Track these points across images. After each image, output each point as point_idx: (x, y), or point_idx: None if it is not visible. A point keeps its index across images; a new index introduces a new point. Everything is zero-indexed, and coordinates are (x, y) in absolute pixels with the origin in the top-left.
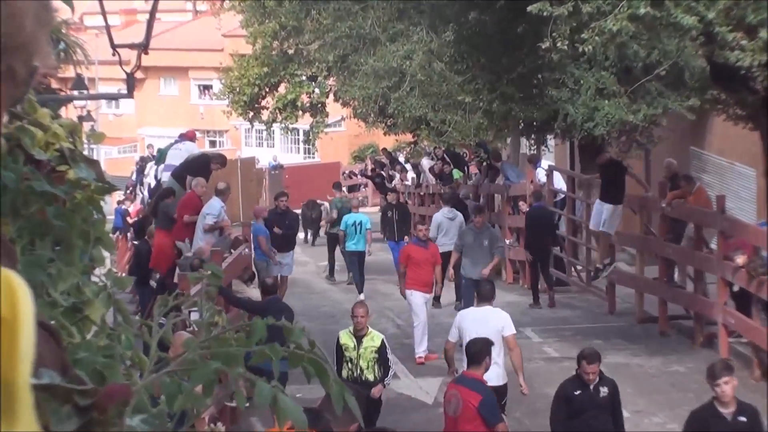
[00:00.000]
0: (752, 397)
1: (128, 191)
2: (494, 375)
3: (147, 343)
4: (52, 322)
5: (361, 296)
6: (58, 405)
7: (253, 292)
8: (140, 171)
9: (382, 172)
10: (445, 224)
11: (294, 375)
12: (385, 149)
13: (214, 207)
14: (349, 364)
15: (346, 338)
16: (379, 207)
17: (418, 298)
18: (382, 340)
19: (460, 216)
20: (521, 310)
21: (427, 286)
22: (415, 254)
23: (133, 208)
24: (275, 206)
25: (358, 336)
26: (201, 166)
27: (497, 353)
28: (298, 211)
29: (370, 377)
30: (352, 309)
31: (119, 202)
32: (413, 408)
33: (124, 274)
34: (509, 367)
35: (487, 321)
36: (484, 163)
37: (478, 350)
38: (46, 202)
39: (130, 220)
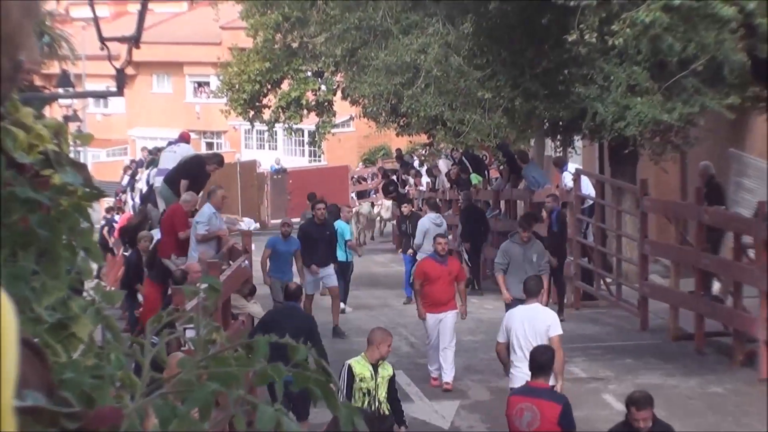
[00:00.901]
0: None
1: (117, 198)
2: None
3: (139, 363)
4: (36, 340)
5: (342, 305)
6: (43, 429)
7: (254, 308)
8: (132, 175)
9: (394, 178)
10: (432, 230)
11: None
12: (398, 150)
13: (203, 214)
14: (366, 397)
15: (362, 368)
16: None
17: (430, 320)
18: (393, 368)
19: (445, 224)
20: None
21: (441, 306)
22: (431, 270)
23: (119, 217)
24: (312, 216)
25: (374, 365)
26: (195, 168)
27: None
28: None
29: (386, 410)
30: (376, 335)
31: (107, 210)
32: None
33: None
34: None
35: (536, 319)
36: (501, 167)
37: (548, 359)
38: (29, 209)
39: (106, 234)
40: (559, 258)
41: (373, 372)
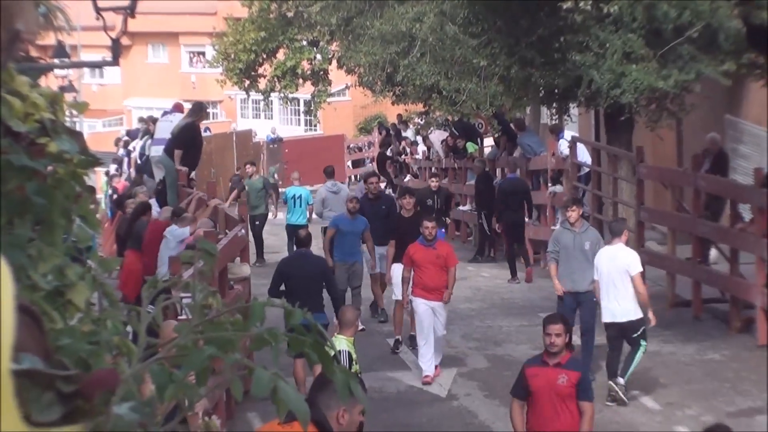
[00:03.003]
0: None
1: (116, 168)
2: (629, 310)
3: (135, 330)
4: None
5: None
6: (39, 392)
7: (242, 268)
8: (125, 145)
9: (388, 153)
10: (330, 198)
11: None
12: (399, 116)
13: (178, 233)
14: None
15: (353, 350)
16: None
17: (419, 306)
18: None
19: (344, 190)
20: (542, 296)
21: (432, 291)
22: (417, 255)
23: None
24: (365, 191)
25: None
26: (187, 136)
27: (626, 289)
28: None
29: None
30: (350, 315)
31: (111, 178)
32: (425, 402)
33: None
34: None
35: (616, 258)
36: (497, 135)
37: None
38: (26, 177)
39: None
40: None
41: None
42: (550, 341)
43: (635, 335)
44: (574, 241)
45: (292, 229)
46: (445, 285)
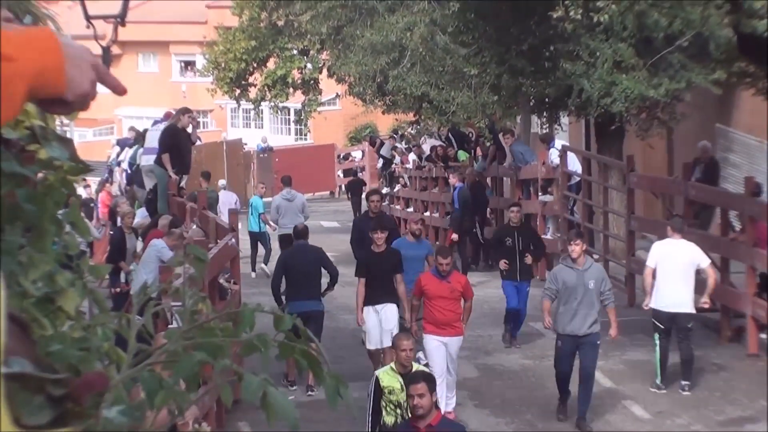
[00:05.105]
0: None
1: (106, 177)
2: (687, 301)
3: (125, 337)
4: (22, 314)
5: (253, 274)
6: (29, 395)
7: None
8: (117, 155)
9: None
10: (283, 206)
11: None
12: (402, 132)
13: (163, 251)
14: (398, 410)
15: (390, 379)
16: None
17: (430, 343)
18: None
19: (299, 197)
20: (531, 305)
21: (443, 327)
22: (430, 287)
23: (101, 198)
24: (367, 208)
25: (404, 374)
26: (171, 139)
27: (688, 280)
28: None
29: None
30: (393, 340)
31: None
32: None
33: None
34: None
35: (677, 252)
36: (488, 144)
37: None
38: (16, 184)
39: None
40: (460, 235)
41: (402, 383)
42: (413, 403)
43: (688, 326)
44: (577, 280)
45: (250, 236)
46: (458, 318)
